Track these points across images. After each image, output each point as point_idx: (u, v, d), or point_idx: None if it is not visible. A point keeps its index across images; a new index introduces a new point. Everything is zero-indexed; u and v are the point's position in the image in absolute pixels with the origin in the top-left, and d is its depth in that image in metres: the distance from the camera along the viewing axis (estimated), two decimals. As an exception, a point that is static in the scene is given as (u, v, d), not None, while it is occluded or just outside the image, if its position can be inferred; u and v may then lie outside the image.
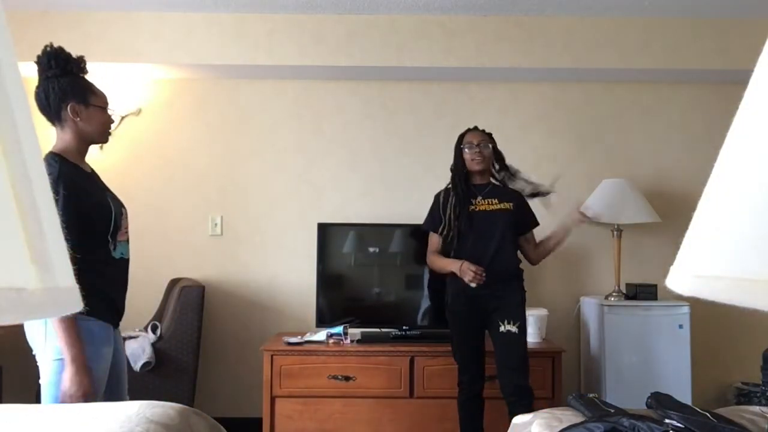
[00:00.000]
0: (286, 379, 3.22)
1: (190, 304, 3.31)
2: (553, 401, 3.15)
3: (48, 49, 1.95)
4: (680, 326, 3.37)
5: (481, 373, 2.92)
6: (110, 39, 3.56)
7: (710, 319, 3.64)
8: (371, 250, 3.63)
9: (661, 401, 1.73)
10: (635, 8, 3.50)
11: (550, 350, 3.30)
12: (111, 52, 3.56)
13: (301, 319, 3.75)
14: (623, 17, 3.61)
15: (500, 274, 2.83)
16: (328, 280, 3.59)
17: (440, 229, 2.94)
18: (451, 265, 2.86)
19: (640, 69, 3.64)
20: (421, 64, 3.61)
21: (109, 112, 2.10)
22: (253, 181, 3.85)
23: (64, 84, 1.97)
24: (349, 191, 3.85)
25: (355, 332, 3.47)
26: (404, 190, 3.86)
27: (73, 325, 1.87)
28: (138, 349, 3.16)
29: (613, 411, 1.69)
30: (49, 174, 1.85)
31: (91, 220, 1.99)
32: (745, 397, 3.51)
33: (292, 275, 3.79)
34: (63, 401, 1.85)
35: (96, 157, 3.81)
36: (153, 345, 3.21)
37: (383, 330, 3.54)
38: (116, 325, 2.10)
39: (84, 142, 2.06)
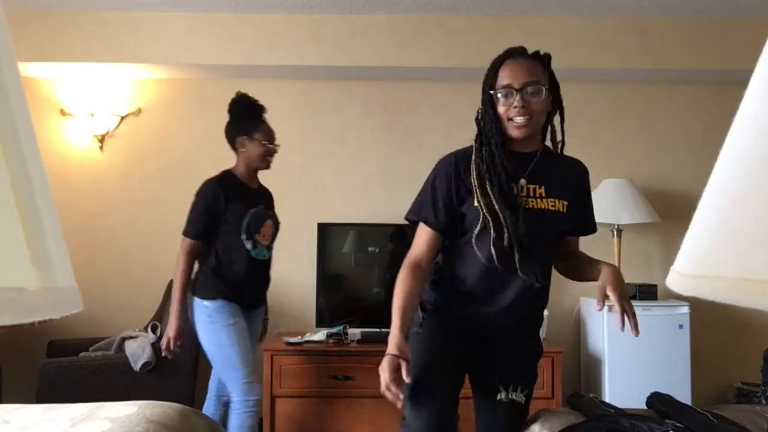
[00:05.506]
0: (286, 379, 3.22)
1: (191, 304, 3.30)
2: (553, 401, 3.15)
3: (235, 96, 2.66)
4: (680, 326, 3.37)
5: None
6: (110, 39, 3.56)
7: (710, 319, 3.64)
8: (371, 250, 3.62)
9: (661, 401, 1.73)
10: (635, 8, 3.50)
11: (549, 350, 3.30)
12: (111, 52, 3.56)
13: (301, 319, 3.74)
14: (623, 17, 3.60)
15: (528, 317, 1.90)
16: (328, 280, 3.59)
17: (437, 221, 1.85)
18: (392, 330, 1.71)
19: (640, 69, 3.63)
20: (421, 64, 3.61)
21: (269, 144, 2.68)
22: (253, 181, 3.85)
23: (238, 124, 2.67)
24: (349, 191, 3.85)
25: (355, 332, 3.46)
26: (404, 190, 3.84)
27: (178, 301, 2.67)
28: (138, 349, 3.16)
29: (613, 411, 1.69)
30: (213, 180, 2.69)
31: (225, 220, 2.63)
32: (745, 397, 3.51)
33: (292, 275, 3.79)
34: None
35: (97, 158, 3.81)
36: (153, 345, 3.20)
37: (383, 330, 3.53)
38: (244, 306, 2.71)
39: (248, 167, 2.71)
